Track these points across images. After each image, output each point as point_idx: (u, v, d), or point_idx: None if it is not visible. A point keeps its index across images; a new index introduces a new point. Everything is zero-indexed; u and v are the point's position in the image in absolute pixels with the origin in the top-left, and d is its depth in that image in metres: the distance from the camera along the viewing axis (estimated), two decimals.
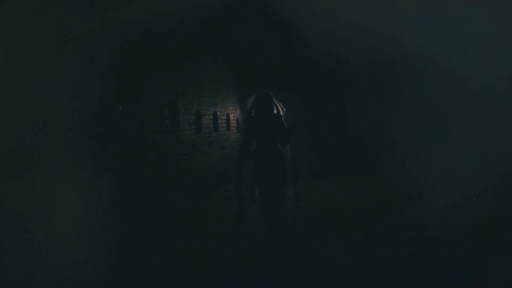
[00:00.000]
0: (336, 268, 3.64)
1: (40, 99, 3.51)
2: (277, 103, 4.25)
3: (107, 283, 3.38)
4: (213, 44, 9.07)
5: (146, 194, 5.52)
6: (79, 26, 4.08)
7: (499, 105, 7.46)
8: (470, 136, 7.85)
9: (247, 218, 4.74)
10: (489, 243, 4.10)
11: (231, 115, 10.76)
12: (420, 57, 8.29)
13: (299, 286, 3.34)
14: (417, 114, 9.36)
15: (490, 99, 7.42)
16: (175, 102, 6.72)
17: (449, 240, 4.27)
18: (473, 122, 7.86)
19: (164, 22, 5.62)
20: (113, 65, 4.58)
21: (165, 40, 6.20)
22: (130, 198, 5.10)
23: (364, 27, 8.28)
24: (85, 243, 3.67)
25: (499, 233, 4.43)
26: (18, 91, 3.29)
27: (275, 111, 4.21)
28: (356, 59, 9.19)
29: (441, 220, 5.04)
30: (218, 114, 9.40)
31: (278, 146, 4.21)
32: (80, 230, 3.64)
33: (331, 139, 11.02)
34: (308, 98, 11.12)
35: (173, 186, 6.52)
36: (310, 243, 4.34)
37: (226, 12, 8.26)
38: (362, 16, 7.90)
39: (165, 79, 6.36)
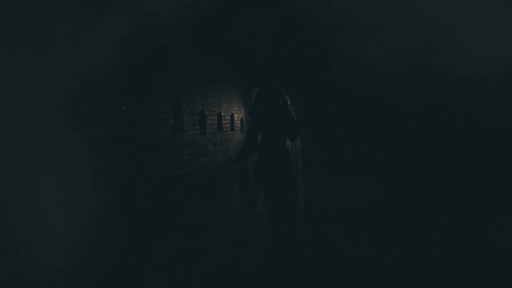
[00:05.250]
0: (339, 268, 3.64)
1: (41, 99, 3.54)
2: (283, 94, 3.97)
3: (110, 283, 3.41)
4: (217, 43, 9.10)
5: (149, 194, 5.55)
6: (81, 26, 4.11)
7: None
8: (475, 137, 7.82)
9: (251, 218, 4.73)
10: (492, 244, 4.08)
11: (235, 116, 10.78)
12: (429, 58, 8.27)
13: (302, 286, 3.34)
14: (421, 114, 9.33)
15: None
16: (179, 102, 6.75)
17: (452, 240, 4.26)
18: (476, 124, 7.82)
19: (168, 21, 5.64)
20: (117, 65, 4.61)
21: (169, 39, 6.22)
22: (134, 198, 5.13)
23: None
24: (88, 243, 3.70)
25: (503, 233, 4.42)
26: (18, 91, 3.32)
27: (281, 102, 3.93)
28: (363, 58, 9.18)
29: (444, 220, 5.04)
30: (222, 114, 9.42)
31: (285, 141, 3.96)
32: (83, 230, 3.66)
33: (334, 138, 11.01)
34: (311, 97, 11.12)
35: (177, 186, 6.54)
36: (316, 244, 4.32)
37: (229, 11, 8.27)
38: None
39: (169, 79, 6.39)
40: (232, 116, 10.42)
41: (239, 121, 11.15)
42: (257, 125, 3.92)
